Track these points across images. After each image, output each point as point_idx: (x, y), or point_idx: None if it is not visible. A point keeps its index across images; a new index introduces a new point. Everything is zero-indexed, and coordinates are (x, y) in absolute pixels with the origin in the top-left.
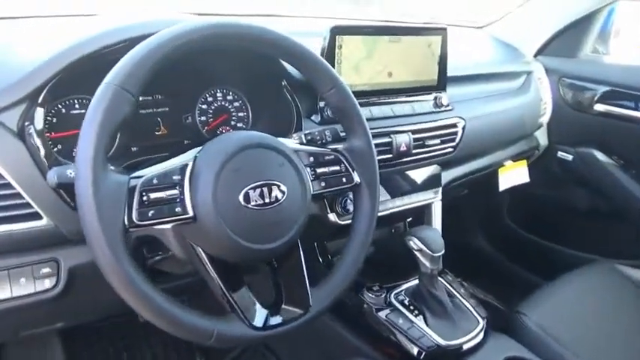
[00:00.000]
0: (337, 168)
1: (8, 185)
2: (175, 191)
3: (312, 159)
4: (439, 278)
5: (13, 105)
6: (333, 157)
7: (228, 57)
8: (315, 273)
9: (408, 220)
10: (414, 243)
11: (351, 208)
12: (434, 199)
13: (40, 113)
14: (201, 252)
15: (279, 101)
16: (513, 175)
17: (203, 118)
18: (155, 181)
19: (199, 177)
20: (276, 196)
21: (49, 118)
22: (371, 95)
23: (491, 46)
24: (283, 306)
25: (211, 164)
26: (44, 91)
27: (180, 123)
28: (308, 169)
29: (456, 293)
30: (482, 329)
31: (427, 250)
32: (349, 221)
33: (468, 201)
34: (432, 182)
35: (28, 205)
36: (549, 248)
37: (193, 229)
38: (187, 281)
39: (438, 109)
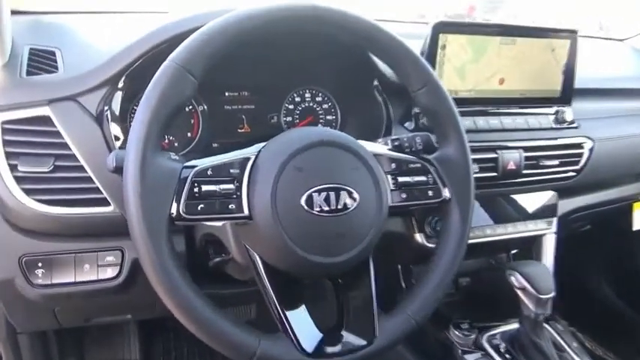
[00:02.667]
0: (423, 179)
1: (81, 168)
2: (231, 186)
3: (394, 166)
4: (545, 326)
5: (94, 89)
6: (419, 165)
7: (318, 54)
8: (396, 299)
9: (513, 252)
10: (517, 279)
11: None
12: (546, 231)
13: (118, 99)
14: (257, 257)
15: (369, 104)
16: None
17: (289, 119)
18: (210, 172)
19: (259, 172)
20: (344, 203)
21: (135, 107)
22: (476, 104)
23: (636, 59)
24: (343, 332)
25: (274, 160)
26: (123, 77)
27: (264, 122)
28: (389, 176)
29: (566, 346)
30: None
31: (532, 290)
32: None
33: (592, 238)
34: (545, 211)
35: (97, 190)
36: None
37: (249, 231)
38: (254, 289)
39: (559, 126)
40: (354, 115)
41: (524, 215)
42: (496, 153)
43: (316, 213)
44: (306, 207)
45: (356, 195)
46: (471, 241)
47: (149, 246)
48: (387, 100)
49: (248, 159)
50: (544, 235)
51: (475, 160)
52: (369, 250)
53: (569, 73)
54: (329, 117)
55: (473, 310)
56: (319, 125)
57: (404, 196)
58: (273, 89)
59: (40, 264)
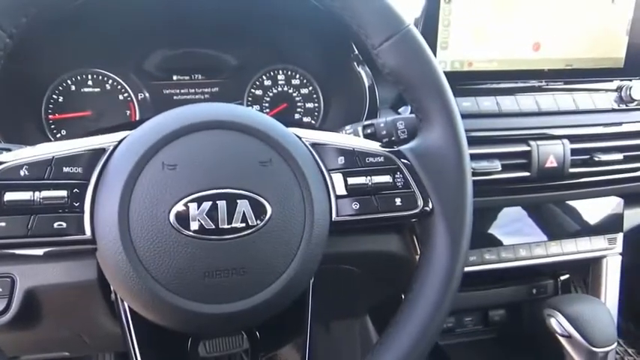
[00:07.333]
0: (387, 180)
1: None
2: (62, 193)
3: (342, 161)
4: None
5: None
6: (381, 159)
7: (289, 20)
8: None
9: (562, 278)
10: (558, 323)
11: None
12: (608, 252)
13: None
14: (120, 301)
15: (352, 83)
16: None
17: (256, 108)
18: (24, 173)
19: (110, 172)
20: (244, 218)
21: (54, 96)
22: (500, 78)
23: None
24: None
25: (131, 153)
26: None
27: None
28: (334, 176)
29: None
30: None
31: (581, 340)
32: None
33: None
34: (606, 224)
35: None
36: None
37: (101, 262)
38: None
39: (623, 107)
40: (338, 100)
41: (576, 230)
42: (528, 145)
43: (193, 234)
44: (176, 225)
45: (266, 205)
46: (504, 265)
47: None
48: (371, 76)
49: (102, 151)
50: (604, 257)
51: (497, 155)
52: (294, 290)
53: (636, 33)
54: (309, 105)
55: (508, 354)
56: (296, 115)
57: (356, 206)
58: (235, 70)
59: None
